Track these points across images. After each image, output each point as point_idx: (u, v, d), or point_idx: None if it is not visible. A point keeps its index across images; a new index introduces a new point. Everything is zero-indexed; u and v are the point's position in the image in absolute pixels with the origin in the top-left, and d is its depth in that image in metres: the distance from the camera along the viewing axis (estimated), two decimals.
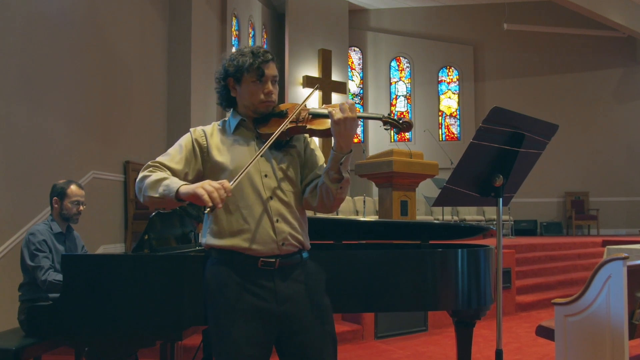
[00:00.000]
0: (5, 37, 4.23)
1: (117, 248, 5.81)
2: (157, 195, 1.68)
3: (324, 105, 1.87)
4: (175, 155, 1.83)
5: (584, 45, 12.62)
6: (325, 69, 10.94)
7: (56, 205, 3.23)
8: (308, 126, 1.83)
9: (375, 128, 12.65)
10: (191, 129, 1.90)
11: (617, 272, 2.82)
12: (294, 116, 1.82)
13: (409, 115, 13.21)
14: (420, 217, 10.12)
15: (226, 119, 1.95)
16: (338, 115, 1.71)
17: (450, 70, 13.42)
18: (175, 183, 1.68)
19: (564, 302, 3.00)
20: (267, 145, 1.76)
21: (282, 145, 1.88)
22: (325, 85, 10.90)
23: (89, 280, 2.46)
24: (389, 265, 2.74)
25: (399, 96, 13.43)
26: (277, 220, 1.80)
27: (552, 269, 7.34)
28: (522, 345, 4.69)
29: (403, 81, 13.44)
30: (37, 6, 4.63)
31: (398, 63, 13.43)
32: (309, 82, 10.68)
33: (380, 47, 13.12)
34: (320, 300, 1.86)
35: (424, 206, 10.53)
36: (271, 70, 1.86)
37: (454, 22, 13.10)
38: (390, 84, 13.41)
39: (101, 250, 5.49)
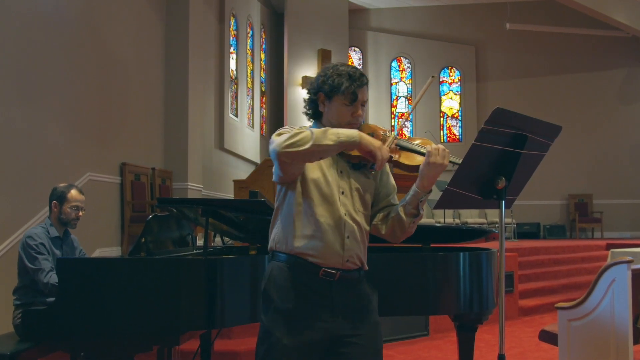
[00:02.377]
0: (0, 38, 4.21)
1: (113, 251, 5.78)
2: (330, 142, 1.69)
3: (413, 140, 1.92)
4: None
5: (588, 45, 12.58)
6: None
7: (55, 209, 3.18)
8: (394, 157, 1.88)
9: None
10: (287, 127, 1.91)
11: (621, 275, 2.81)
12: (390, 143, 1.86)
13: (410, 117, 13.18)
14: (422, 219, 10.07)
15: (309, 126, 1.97)
16: (435, 159, 1.79)
17: (452, 70, 13.40)
18: (348, 130, 1.74)
19: (567, 307, 2.99)
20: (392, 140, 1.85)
21: (360, 166, 1.91)
22: None
23: (85, 284, 2.45)
24: (390, 268, 2.72)
25: (400, 97, 13.41)
26: (348, 237, 1.84)
27: (555, 272, 7.32)
28: (525, 350, 4.66)
29: (404, 82, 13.42)
30: (32, 6, 4.60)
31: (399, 63, 13.41)
32: (308, 82, 10.63)
33: (381, 47, 13.10)
34: (372, 317, 1.90)
35: (425, 209, 10.43)
36: (363, 94, 1.92)
37: (456, 22, 13.08)
38: (391, 84, 13.39)
39: (97, 253, 5.45)
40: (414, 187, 1.85)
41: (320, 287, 1.81)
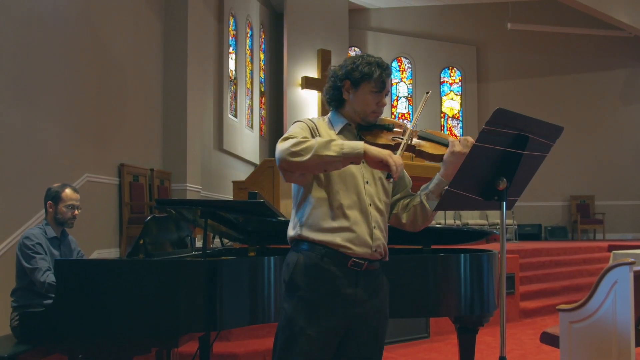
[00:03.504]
0: None
1: (111, 253, 5.77)
2: (333, 153, 1.68)
3: (431, 131, 2.01)
4: (303, 132, 1.85)
5: (590, 45, 12.57)
6: (325, 69, 10.83)
7: (50, 210, 3.18)
8: (418, 147, 1.94)
9: None
10: (299, 120, 1.93)
11: (623, 277, 2.80)
12: (409, 136, 1.91)
13: (410, 117, 13.18)
14: None
15: (325, 117, 2.01)
16: (459, 148, 1.87)
17: (453, 70, 13.39)
18: (353, 142, 1.72)
19: (569, 309, 2.98)
20: (406, 141, 1.87)
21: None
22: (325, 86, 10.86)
23: (83, 285, 2.45)
24: (390, 270, 2.70)
25: (400, 97, 13.39)
26: (375, 227, 1.88)
27: (556, 274, 7.31)
28: (526, 353, 4.64)
29: (404, 82, 13.40)
30: (30, 7, 4.59)
31: (399, 63, 13.39)
32: (308, 83, 10.61)
33: (381, 47, 13.06)
34: (385, 311, 1.96)
35: None
36: (389, 84, 2.00)
37: (457, 22, 13.07)
38: (391, 85, 13.37)
39: (95, 255, 5.44)
40: (437, 176, 1.92)
41: (346, 277, 1.84)
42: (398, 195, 2.04)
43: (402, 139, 1.91)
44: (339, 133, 1.94)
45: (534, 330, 5.35)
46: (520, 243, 9.84)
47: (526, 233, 11.73)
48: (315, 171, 1.77)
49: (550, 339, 3.17)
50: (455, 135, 13.12)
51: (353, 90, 1.93)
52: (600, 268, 6.57)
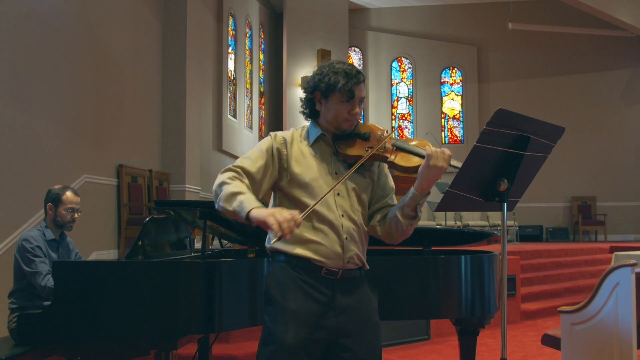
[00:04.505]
0: None
1: (110, 254, 5.76)
2: (230, 209, 1.74)
3: (410, 141, 1.89)
4: (257, 160, 1.87)
5: (591, 45, 12.55)
6: None
7: (50, 212, 3.16)
8: (390, 158, 1.86)
9: None
10: (272, 134, 1.93)
11: (625, 279, 2.79)
12: (379, 147, 1.85)
13: (411, 118, 13.16)
14: (423, 222, 10.06)
15: (305, 126, 2.00)
16: (436, 162, 1.75)
17: (454, 71, 13.37)
18: (248, 203, 1.71)
19: (570, 310, 2.97)
20: (345, 177, 1.82)
21: (358, 167, 1.91)
22: None
23: (81, 287, 2.45)
24: (390, 272, 2.71)
25: (401, 98, 13.37)
26: (347, 239, 1.86)
27: (558, 275, 7.29)
28: (527, 355, 4.62)
29: (405, 82, 13.38)
30: (27, 6, 4.58)
31: (399, 64, 13.38)
32: (304, 82, 10.58)
33: (381, 47, 13.05)
34: (373, 318, 1.92)
35: (426, 211, 10.47)
36: (360, 92, 1.90)
37: (457, 22, 13.06)
38: (392, 85, 13.35)
39: (94, 256, 5.43)
40: (412, 189, 1.84)
41: (322, 286, 1.83)
42: (376, 206, 1.98)
43: (377, 149, 1.85)
44: (313, 144, 1.91)
45: (535, 332, 5.34)
46: (521, 244, 9.82)
47: (527, 234, 11.72)
48: (232, 218, 1.79)
49: (551, 341, 3.15)
50: (456, 137, 13.14)
51: (324, 101, 1.90)
52: (602, 270, 6.56)
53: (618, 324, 2.79)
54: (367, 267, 1.96)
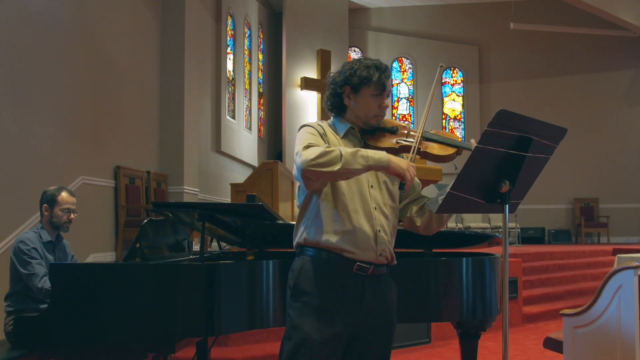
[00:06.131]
0: None
1: (107, 257, 5.74)
2: (359, 166, 1.74)
3: (435, 131, 1.97)
4: (315, 139, 1.85)
5: (594, 45, 12.54)
6: (324, 70, 10.72)
7: (46, 213, 3.16)
8: (423, 149, 1.92)
9: None
10: (306, 124, 1.95)
11: (628, 281, 2.79)
12: (417, 139, 1.91)
13: (411, 118, 13.14)
14: None
15: (326, 121, 2.03)
16: None
17: (455, 71, 13.37)
18: (378, 153, 1.76)
19: (572, 313, 2.96)
20: (416, 145, 1.89)
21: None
22: (324, 87, 10.79)
23: (78, 290, 2.45)
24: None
25: (401, 98, 13.37)
26: (379, 231, 1.89)
27: (560, 278, 7.30)
28: (529, 358, 4.63)
29: (405, 83, 13.37)
30: (22, 6, 4.57)
31: (400, 64, 13.36)
32: (307, 83, 10.55)
33: (382, 47, 13.02)
34: (393, 316, 1.98)
35: None
36: (389, 85, 1.97)
37: (458, 22, 13.06)
38: (392, 86, 13.31)
39: (91, 259, 5.42)
40: None
41: (352, 282, 1.85)
42: (408, 199, 2.05)
43: (408, 141, 1.91)
44: (343, 137, 1.96)
45: (537, 336, 5.34)
46: (523, 247, 9.80)
47: (529, 236, 11.72)
48: (337, 179, 1.81)
49: (553, 345, 3.15)
50: (458, 137, 13.20)
51: (353, 96, 1.94)
52: (604, 272, 6.54)
53: (621, 327, 2.78)
54: (395, 262, 1.99)
